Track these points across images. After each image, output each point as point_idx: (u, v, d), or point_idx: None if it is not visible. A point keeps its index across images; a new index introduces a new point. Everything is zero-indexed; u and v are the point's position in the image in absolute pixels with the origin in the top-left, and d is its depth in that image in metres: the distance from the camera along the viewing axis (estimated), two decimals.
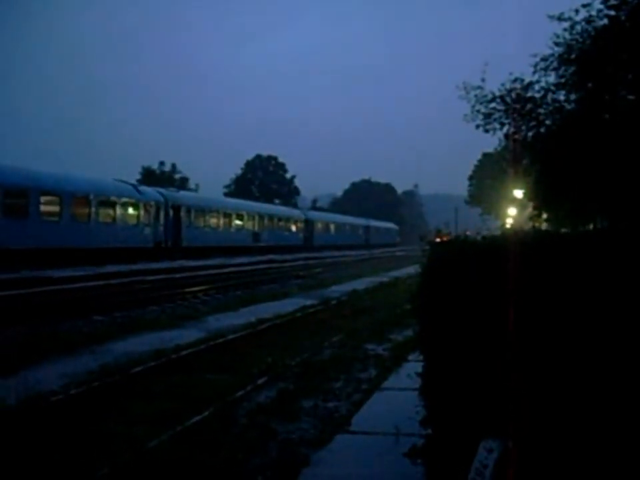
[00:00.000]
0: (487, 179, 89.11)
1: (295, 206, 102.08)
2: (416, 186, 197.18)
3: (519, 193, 36.77)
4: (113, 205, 41.70)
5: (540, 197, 26.81)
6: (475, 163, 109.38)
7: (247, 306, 21.66)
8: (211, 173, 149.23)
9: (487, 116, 27.33)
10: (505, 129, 27.68)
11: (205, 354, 13.12)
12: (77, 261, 34.05)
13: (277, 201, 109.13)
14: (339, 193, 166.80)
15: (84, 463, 6.90)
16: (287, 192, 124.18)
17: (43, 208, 35.58)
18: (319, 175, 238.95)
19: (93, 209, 39.58)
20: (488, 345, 5.36)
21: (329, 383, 10.69)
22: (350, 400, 9.69)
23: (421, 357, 6.68)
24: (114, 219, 41.64)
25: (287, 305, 21.84)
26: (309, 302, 23.11)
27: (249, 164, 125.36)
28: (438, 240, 7.24)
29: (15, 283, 23.78)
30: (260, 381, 10.77)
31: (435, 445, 6.29)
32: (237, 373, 11.57)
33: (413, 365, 11.52)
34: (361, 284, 31.97)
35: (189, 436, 7.78)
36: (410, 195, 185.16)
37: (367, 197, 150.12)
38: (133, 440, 7.63)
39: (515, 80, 26.26)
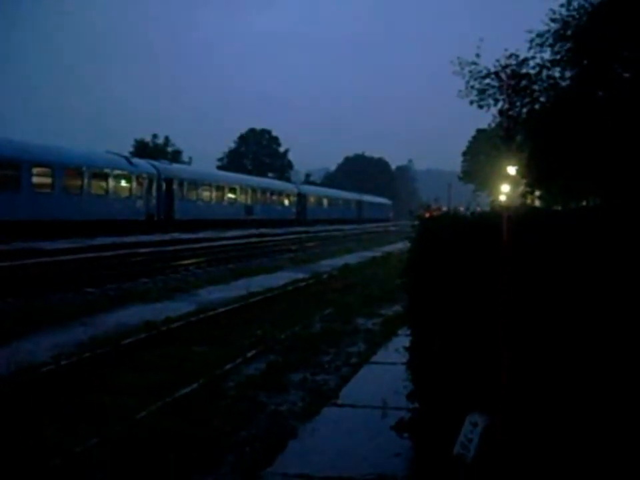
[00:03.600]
0: (480, 155, 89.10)
1: (288, 180, 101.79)
2: (410, 161, 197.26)
3: (512, 170, 36.81)
4: (105, 177, 41.48)
5: (533, 174, 26.83)
6: (469, 139, 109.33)
7: (238, 279, 21.71)
8: (204, 146, 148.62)
9: (481, 92, 27.28)
10: (499, 105, 27.66)
11: (196, 326, 13.15)
12: (68, 233, 33.92)
13: (270, 175, 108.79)
14: (333, 168, 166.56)
15: (73, 432, 6.94)
16: (280, 166, 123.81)
17: (34, 180, 35.39)
18: (313, 149, 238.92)
19: (85, 181, 39.38)
20: (475, 321, 5.40)
21: (318, 357, 10.75)
22: (339, 373, 9.76)
23: (409, 332, 6.73)
24: (106, 191, 41.40)
25: (279, 279, 21.90)
26: (300, 276, 23.17)
27: (242, 137, 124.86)
28: (427, 215, 7.22)
29: (7, 254, 23.72)
30: (249, 354, 10.83)
31: (422, 419, 6.34)
32: (227, 345, 11.64)
33: (402, 340, 11.54)
34: (352, 258, 32.06)
35: (178, 408, 7.84)
36: (404, 170, 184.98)
37: (360, 171, 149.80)
38: (122, 411, 7.68)
39: (510, 56, 26.20)
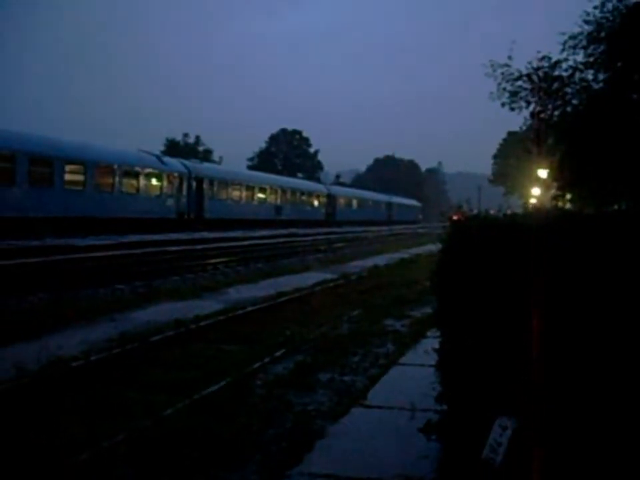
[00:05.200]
0: (511, 158, 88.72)
1: (318, 181, 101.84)
2: (440, 163, 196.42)
3: (543, 173, 36.56)
4: (136, 175, 41.78)
5: (565, 177, 26.62)
6: (500, 141, 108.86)
7: (267, 279, 21.74)
8: (234, 146, 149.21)
9: (513, 94, 27.17)
10: (531, 107, 27.51)
11: (224, 325, 13.18)
12: (99, 230, 34.20)
13: (299, 175, 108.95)
14: (362, 169, 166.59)
15: (101, 427, 6.97)
16: (310, 166, 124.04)
17: (67, 177, 35.71)
18: (343, 150, 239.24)
19: (117, 179, 39.68)
20: (505, 323, 5.36)
21: (346, 357, 10.71)
22: (367, 374, 9.71)
23: (438, 333, 6.68)
24: (137, 189, 41.73)
25: (307, 279, 21.89)
26: (329, 276, 23.15)
27: (273, 137, 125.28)
28: (455, 218, 7.18)
29: (39, 250, 23.96)
30: (278, 353, 10.82)
31: (450, 421, 6.30)
32: (255, 344, 11.63)
33: (431, 342, 11.49)
34: (381, 260, 31.95)
35: (206, 405, 7.84)
36: (433, 172, 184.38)
37: (390, 173, 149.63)
38: (149, 407, 7.70)
39: (543, 58, 26.04)
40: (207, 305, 15.47)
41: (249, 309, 14.95)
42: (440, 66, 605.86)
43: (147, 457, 6.19)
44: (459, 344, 6.01)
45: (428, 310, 15.60)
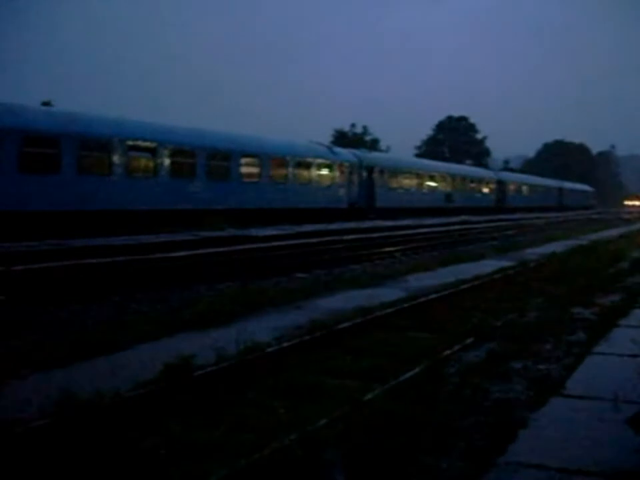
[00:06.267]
0: None
1: (486, 167, 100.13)
2: (612, 146, 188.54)
3: None
4: (308, 166, 42.54)
5: None
6: None
7: (444, 266, 21.59)
8: (401, 135, 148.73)
9: None
10: None
11: (408, 312, 13.20)
12: (275, 220, 35.08)
13: (467, 162, 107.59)
14: (531, 154, 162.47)
15: (300, 410, 7.18)
16: (477, 153, 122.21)
17: (243, 170, 36.86)
18: (511, 136, 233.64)
19: (290, 170, 40.56)
20: None
21: (536, 345, 10.50)
22: (561, 363, 9.49)
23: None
24: (309, 179, 42.50)
25: (484, 267, 21.59)
26: (506, 264, 22.73)
27: (439, 125, 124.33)
28: (629, 203, 6.86)
29: (222, 241, 24.85)
30: (467, 341, 10.75)
31: None
32: (441, 332, 11.58)
33: (625, 331, 11.15)
34: (557, 247, 31.05)
35: (402, 392, 7.87)
36: (605, 155, 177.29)
37: (560, 157, 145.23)
38: (345, 393, 7.85)
39: None
40: (389, 293, 15.54)
41: (431, 296, 14.89)
42: (610, 45, 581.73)
43: (352, 441, 6.29)
44: None
45: (615, 298, 15.12)
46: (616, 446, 6.19)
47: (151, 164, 31.56)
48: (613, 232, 46.49)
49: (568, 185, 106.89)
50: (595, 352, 10.03)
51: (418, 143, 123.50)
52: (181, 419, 7.07)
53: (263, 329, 11.32)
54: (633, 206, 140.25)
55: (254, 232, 28.50)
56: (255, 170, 37.85)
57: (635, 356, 8.25)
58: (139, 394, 7.60)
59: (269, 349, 9.86)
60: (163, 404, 7.40)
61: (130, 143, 30.45)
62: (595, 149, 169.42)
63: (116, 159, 29.72)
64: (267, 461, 5.81)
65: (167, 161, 32.02)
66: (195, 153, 33.53)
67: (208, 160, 34.31)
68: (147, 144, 31.31)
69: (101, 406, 7.06)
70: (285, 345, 10.22)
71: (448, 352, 10.01)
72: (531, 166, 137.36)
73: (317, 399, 7.77)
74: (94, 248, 20.46)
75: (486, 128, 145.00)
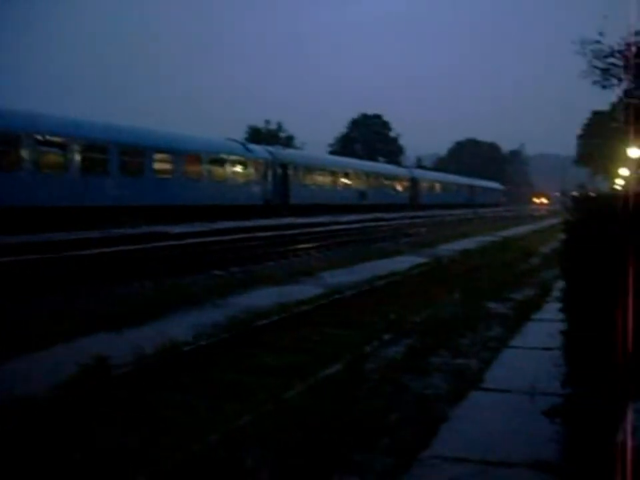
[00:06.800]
0: (596, 139, 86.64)
1: (399, 165, 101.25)
2: (522, 145, 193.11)
3: (634, 152, 35.54)
4: (222, 163, 42.25)
5: None
6: (584, 121, 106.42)
7: (360, 263, 21.71)
8: (315, 132, 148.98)
9: (605, 71, 26.40)
10: (624, 84, 26.72)
11: (327, 309, 13.23)
12: (189, 217, 34.72)
13: (381, 160, 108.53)
14: (443, 152, 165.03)
15: (224, 409, 7.09)
16: (390, 151, 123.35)
17: (157, 166, 36.36)
18: (423, 134, 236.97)
19: (204, 167, 40.20)
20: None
21: (455, 340, 10.60)
22: (479, 357, 9.60)
23: (564, 316, 6.58)
24: (224, 176, 42.22)
25: (400, 263, 21.81)
26: (421, 260, 23.02)
27: (353, 123, 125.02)
28: (537, 200, 7.05)
29: (135, 238, 24.43)
30: (385, 337, 10.79)
31: (576, 405, 6.20)
32: (360, 328, 11.63)
33: (539, 325, 11.39)
34: (470, 243, 31.66)
35: (323, 388, 7.85)
36: (516, 154, 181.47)
37: (471, 156, 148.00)
38: (268, 391, 7.78)
39: (637, 33, 25.23)
40: (306, 290, 15.53)
41: (349, 293, 14.97)
42: (521, 46, 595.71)
43: (276, 439, 6.23)
44: (587, 327, 5.91)
45: (529, 292, 15.45)
46: (534, 437, 6.28)
47: (62, 159, 30.78)
48: (523, 228, 47.61)
49: (479, 182, 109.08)
50: (511, 346, 10.21)
51: (332, 141, 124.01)
52: (97, 421, 6.87)
53: (180, 327, 11.14)
54: (541, 203, 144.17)
55: (169, 229, 28.13)
56: (169, 166, 37.38)
57: (549, 349, 8.40)
58: (53, 396, 7.36)
59: (187, 348, 9.72)
60: (78, 407, 7.17)
61: (39, 137, 29.62)
62: (506, 147, 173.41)
63: (24, 154, 28.86)
64: (188, 463, 5.70)
65: (78, 157, 31.28)
66: (107, 149, 32.87)
67: (121, 156, 33.69)
68: (58, 139, 30.53)
69: (12, 410, 6.82)
70: (203, 343, 10.09)
71: (367, 348, 10.03)
72: (444, 164, 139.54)
73: (237, 397, 7.68)
74: (1, 246, 19.82)
75: (399, 126, 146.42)
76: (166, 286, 15.54)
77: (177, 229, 28.37)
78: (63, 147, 30.65)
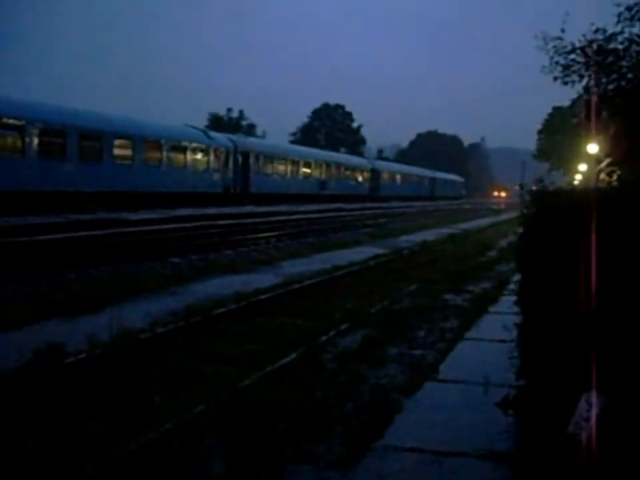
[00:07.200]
0: (556, 134, 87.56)
1: (361, 155, 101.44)
2: (483, 139, 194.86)
3: (594, 148, 35.97)
4: (183, 150, 41.98)
5: (617, 153, 26.19)
6: (545, 116, 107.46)
7: (319, 253, 21.76)
8: (277, 121, 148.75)
9: (566, 68, 26.61)
10: (584, 81, 26.97)
11: (284, 298, 13.21)
12: (148, 204, 34.45)
13: (342, 150, 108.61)
14: (405, 144, 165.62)
15: (179, 399, 7.04)
16: (352, 141, 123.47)
17: (116, 152, 35.98)
18: (385, 125, 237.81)
19: (164, 153, 39.91)
20: (593, 298, 5.27)
21: (412, 331, 10.67)
22: (435, 348, 9.67)
23: (519, 309, 6.62)
24: (184, 163, 41.95)
25: (359, 253, 21.88)
26: (380, 251, 23.12)
27: (315, 112, 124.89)
28: (496, 193, 7.11)
29: (93, 224, 24.21)
30: (343, 327, 10.80)
31: (529, 396, 6.25)
32: (317, 318, 11.62)
33: (495, 317, 11.49)
34: (430, 235, 31.86)
35: (280, 378, 7.86)
36: (476, 147, 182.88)
37: (432, 148, 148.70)
38: (223, 380, 7.76)
39: (597, 31, 25.45)
40: (265, 279, 15.51)
41: (307, 282, 14.97)
42: (483, 40, 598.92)
43: (231, 428, 6.21)
44: (541, 320, 5.94)
45: (486, 285, 15.61)
46: (487, 428, 6.35)
47: (19, 143, 30.25)
48: (482, 221, 48.01)
49: (440, 175, 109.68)
50: (466, 337, 10.31)
51: (294, 130, 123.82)
52: (50, 410, 6.76)
53: (136, 315, 11.03)
54: (499, 196, 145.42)
55: (127, 216, 27.90)
56: (128, 152, 36.97)
57: (504, 341, 8.47)
58: (4, 384, 7.24)
59: (143, 336, 9.64)
60: (29, 395, 7.04)
61: None
62: (467, 140, 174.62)
63: None
64: (141, 451, 5.65)
65: (35, 140, 30.79)
66: (66, 133, 32.41)
67: (80, 140, 33.24)
68: (14, 121, 30.00)
69: None
70: (160, 331, 10.01)
71: (324, 338, 10.04)
72: (405, 156, 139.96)
73: (193, 386, 7.63)
74: None
75: (361, 117, 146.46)
76: (123, 273, 15.42)
77: (136, 216, 28.16)
78: (20, 130, 30.13)
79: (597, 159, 35.77)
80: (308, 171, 60.69)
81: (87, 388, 7.42)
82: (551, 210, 5.93)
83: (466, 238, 30.78)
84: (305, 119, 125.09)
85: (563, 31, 24.86)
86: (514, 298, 7.02)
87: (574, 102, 48.52)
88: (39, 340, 8.52)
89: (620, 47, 24.62)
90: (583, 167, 54.87)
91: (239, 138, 51.65)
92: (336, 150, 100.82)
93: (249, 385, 7.56)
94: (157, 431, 6.10)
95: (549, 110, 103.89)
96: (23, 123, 30.11)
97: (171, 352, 9.11)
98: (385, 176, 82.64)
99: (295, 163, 58.12)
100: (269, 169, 52.86)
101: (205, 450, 5.83)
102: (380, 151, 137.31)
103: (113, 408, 6.88)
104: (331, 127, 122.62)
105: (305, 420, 6.46)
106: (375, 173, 78.22)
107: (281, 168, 55.32)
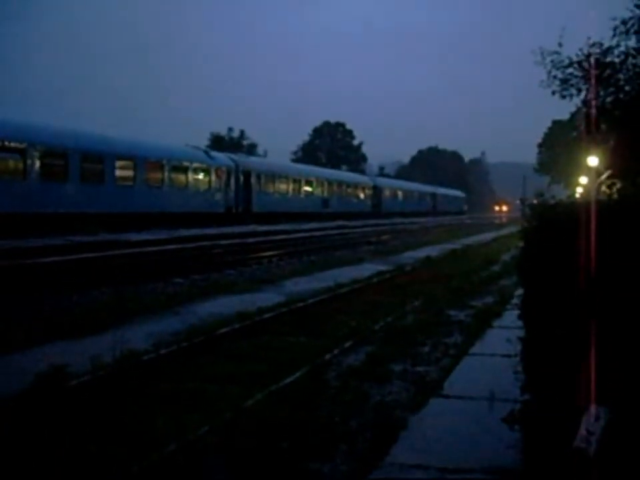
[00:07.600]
0: (556, 147, 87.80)
1: (362, 173, 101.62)
2: (483, 153, 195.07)
3: (593, 161, 36.02)
4: (185, 170, 42.02)
5: (617, 165, 26.20)
6: (545, 130, 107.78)
7: (322, 271, 21.73)
8: (278, 140, 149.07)
9: (564, 82, 26.70)
10: (582, 95, 27.03)
11: (288, 317, 13.18)
12: (150, 225, 34.48)
13: (344, 168, 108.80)
14: (406, 160, 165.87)
15: (183, 419, 7.00)
16: (353, 159, 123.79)
17: (118, 173, 36.04)
18: (386, 143, 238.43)
19: (166, 174, 39.95)
20: (596, 312, 5.26)
21: (415, 348, 10.64)
22: (439, 364, 9.65)
23: (521, 323, 6.60)
24: (186, 184, 41.99)
25: (363, 270, 21.85)
26: (383, 268, 23.09)
27: (316, 130, 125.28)
28: (498, 208, 7.11)
29: (95, 245, 24.21)
30: (346, 345, 10.77)
31: (535, 411, 6.22)
32: (321, 336, 11.60)
33: (499, 332, 11.45)
34: (432, 251, 31.79)
35: (284, 397, 7.82)
36: (477, 162, 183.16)
37: (434, 164, 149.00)
38: (228, 399, 7.72)
39: (594, 44, 25.57)
40: (268, 298, 15.48)
41: (310, 301, 14.94)
42: (483, 56, 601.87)
43: (235, 447, 6.18)
44: (546, 334, 5.93)
45: (489, 300, 15.57)
46: (493, 443, 6.31)
47: (20, 165, 30.33)
48: (485, 236, 47.96)
49: (441, 190, 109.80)
50: (471, 353, 10.26)
51: (295, 149, 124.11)
52: (53, 432, 6.73)
53: (139, 335, 11.04)
54: (500, 211, 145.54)
55: (129, 237, 27.91)
56: (130, 173, 37.06)
57: (508, 356, 8.44)
58: (7, 407, 7.22)
59: (146, 357, 9.62)
60: (33, 418, 7.02)
61: None
62: (467, 156, 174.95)
63: None
64: (147, 474, 5.63)
65: (37, 163, 30.86)
66: (67, 155, 32.49)
67: (81, 162, 33.33)
68: (15, 144, 30.08)
69: None
70: (163, 351, 9.99)
71: (328, 356, 10.01)
72: (406, 172, 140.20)
73: (197, 406, 7.60)
74: None
75: (362, 134, 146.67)
76: (126, 294, 15.40)
77: (138, 237, 28.17)
78: (21, 152, 30.19)
79: (598, 172, 35.85)
80: (310, 189, 60.75)
81: (90, 410, 7.40)
82: (551, 223, 5.93)
83: (469, 253, 30.74)
84: (306, 138, 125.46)
85: (560, 45, 24.95)
86: (517, 312, 7.00)
87: (573, 115, 48.67)
88: (42, 361, 8.52)
89: (616, 60, 24.70)
90: (583, 179, 54.91)
91: (240, 157, 51.75)
92: (337, 167, 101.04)
93: (252, 404, 7.53)
94: (161, 452, 6.08)
95: (549, 124, 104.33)
96: (24, 145, 30.20)
97: (174, 372, 9.09)
98: (387, 193, 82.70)
99: (297, 181, 58.19)
100: (270, 188, 52.91)
101: (208, 470, 5.81)
102: (381, 168, 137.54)
103: (116, 429, 6.85)
104: (331, 144, 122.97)
105: (309, 438, 6.44)
106: (376, 190, 78.30)
107: (283, 187, 55.38)
